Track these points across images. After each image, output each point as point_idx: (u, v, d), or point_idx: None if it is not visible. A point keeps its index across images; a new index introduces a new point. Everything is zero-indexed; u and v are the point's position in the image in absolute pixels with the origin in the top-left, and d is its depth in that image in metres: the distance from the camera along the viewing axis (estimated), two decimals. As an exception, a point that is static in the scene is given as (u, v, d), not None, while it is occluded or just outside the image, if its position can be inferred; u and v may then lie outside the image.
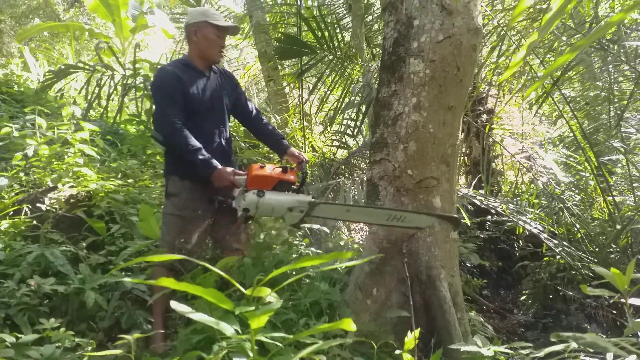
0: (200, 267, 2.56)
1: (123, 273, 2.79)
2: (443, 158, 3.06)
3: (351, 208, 2.93)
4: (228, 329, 1.12)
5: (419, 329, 2.18)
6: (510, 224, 5.60)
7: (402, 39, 3.09)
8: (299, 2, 6.17)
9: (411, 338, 1.98)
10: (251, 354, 1.16)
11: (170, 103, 2.76)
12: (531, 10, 5.19)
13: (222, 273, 1.16)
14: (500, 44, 5.57)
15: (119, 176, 4.25)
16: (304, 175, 2.88)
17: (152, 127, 2.94)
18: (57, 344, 1.96)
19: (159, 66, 5.78)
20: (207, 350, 1.81)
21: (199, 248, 2.88)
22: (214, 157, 2.78)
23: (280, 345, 1.21)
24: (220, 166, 2.76)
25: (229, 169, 2.79)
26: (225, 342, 1.39)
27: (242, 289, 1.13)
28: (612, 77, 4.98)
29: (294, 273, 2.45)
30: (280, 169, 2.78)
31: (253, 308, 1.06)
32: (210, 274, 2.11)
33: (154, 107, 2.89)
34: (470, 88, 6.40)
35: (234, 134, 6.41)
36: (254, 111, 3.22)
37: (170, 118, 2.72)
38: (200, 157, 2.70)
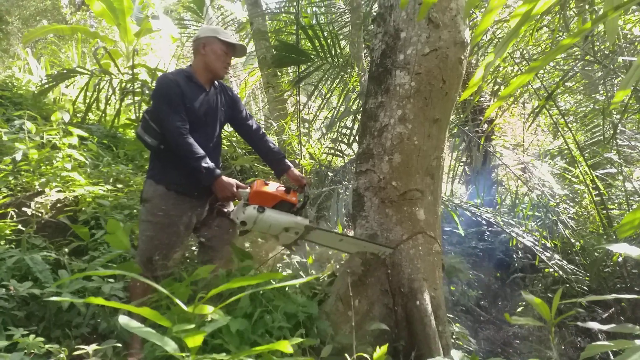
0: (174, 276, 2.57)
1: (104, 279, 2.78)
2: (428, 170, 3.05)
3: (344, 238, 2.95)
4: (171, 345, 1.11)
5: (389, 343, 2.16)
6: (505, 235, 5.56)
7: (389, 51, 3.09)
8: (297, 11, 6.19)
9: (380, 352, 1.97)
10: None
11: (175, 109, 2.79)
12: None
13: (165, 291, 1.15)
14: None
15: (110, 181, 4.26)
16: (305, 199, 2.93)
17: (140, 127, 2.95)
18: (25, 351, 1.96)
19: (157, 71, 5.86)
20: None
21: (172, 254, 2.87)
22: None
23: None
24: (224, 176, 2.82)
25: (233, 181, 2.84)
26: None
27: (184, 306, 1.12)
28: (608, 90, 4.94)
29: (276, 284, 2.44)
30: (284, 189, 2.82)
31: (191, 326, 1.06)
32: (182, 284, 2.12)
33: (151, 110, 2.92)
34: (471, 97, 6.39)
35: (233, 139, 6.44)
36: (255, 127, 3.24)
37: (176, 123, 2.75)
38: (205, 164, 2.75)
